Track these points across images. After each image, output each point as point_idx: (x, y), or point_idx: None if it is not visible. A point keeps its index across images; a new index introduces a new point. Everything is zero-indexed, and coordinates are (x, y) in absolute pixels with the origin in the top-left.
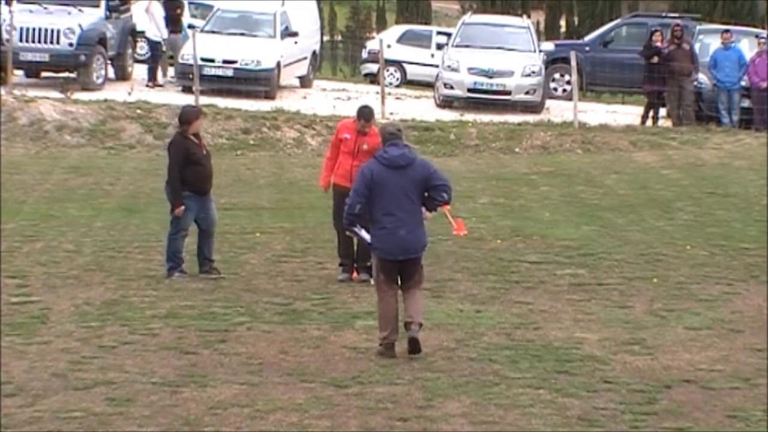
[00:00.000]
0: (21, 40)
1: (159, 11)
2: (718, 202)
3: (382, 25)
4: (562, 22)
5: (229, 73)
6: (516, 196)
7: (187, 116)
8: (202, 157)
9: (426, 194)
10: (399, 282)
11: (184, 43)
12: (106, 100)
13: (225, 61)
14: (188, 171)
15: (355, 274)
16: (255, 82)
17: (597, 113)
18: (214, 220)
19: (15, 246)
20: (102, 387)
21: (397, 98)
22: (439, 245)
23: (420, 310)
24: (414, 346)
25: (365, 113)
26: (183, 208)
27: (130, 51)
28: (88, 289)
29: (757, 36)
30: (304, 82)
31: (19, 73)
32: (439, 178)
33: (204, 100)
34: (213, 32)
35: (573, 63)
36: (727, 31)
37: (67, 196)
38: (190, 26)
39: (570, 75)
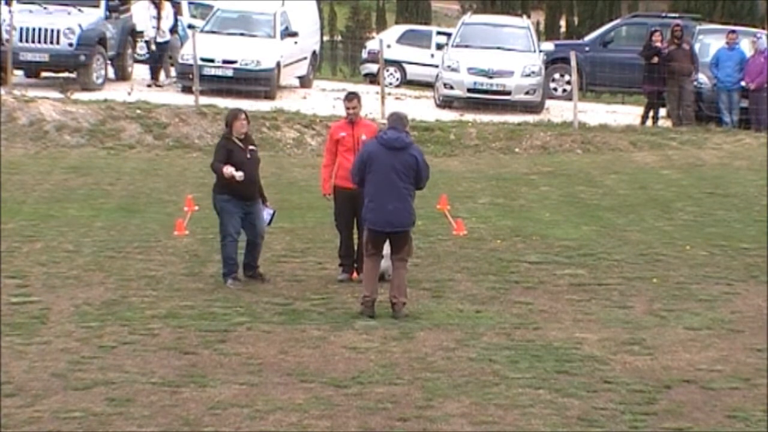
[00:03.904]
0: (21, 40)
1: (147, 11)
2: (718, 202)
3: (382, 25)
4: (562, 22)
5: (229, 73)
6: (516, 196)
7: (227, 118)
8: (243, 161)
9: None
10: (390, 251)
11: (177, 43)
12: (105, 100)
13: (225, 61)
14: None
15: (355, 275)
16: (255, 82)
17: (597, 113)
18: (260, 229)
19: (15, 246)
20: (102, 387)
21: (397, 98)
22: (439, 245)
23: (402, 287)
24: (397, 317)
25: (347, 95)
26: (232, 170)
27: (129, 51)
28: (88, 289)
29: (754, 35)
30: (304, 82)
31: (19, 73)
32: (424, 170)
33: (204, 100)
34: (213, 32)
35: (573, 63)
36: (733, 31)
37: (67, 196)
38: (190, 26)
39: (570, 75)
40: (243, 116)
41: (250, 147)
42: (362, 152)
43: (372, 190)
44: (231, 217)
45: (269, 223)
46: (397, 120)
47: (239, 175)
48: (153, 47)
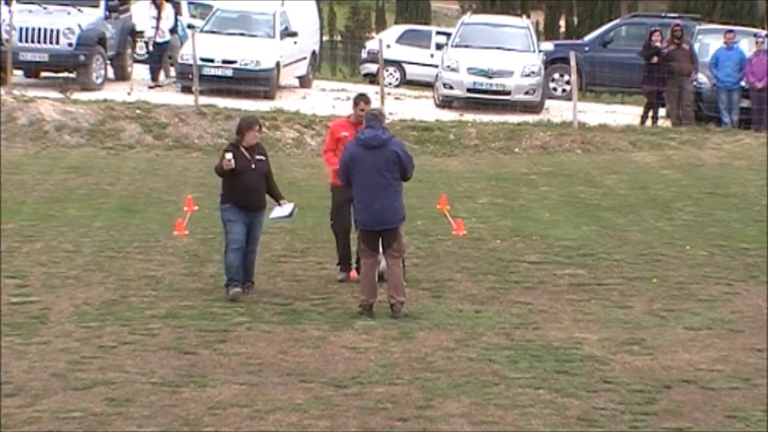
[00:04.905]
0: (21, 40)
1: (147, 11)
2: (718, 202)
3: (381, 25)
4: (562, 22)
5: (229, 73)
6: (516, 196)
7: (240, 127)
8: (246, 170)
9: None
10: (381, 249)
11: (176, 43)
12: (105, 100)
13: (224, 61)
14: (228, 182)
15: (354, 274)
16: (254, 82)
17: (596, 113)
18: (253, 238)
19: (15, 246)
20: (101, 387)
21: (397, 98)
22: (439, 245)
23: (399, 286)
24: (396, 318)
25: (363, 97)
26: (231, 157)
27: (129, 51)
28: (87, 289)
29: (755, 36)
30: (304, 82)
31: (19, 73)
32: (407, 162)
33: (203, 100)
34: (212, 32)
35: (572, 63)
36: (730, 31)
37: (67, 196)
38: (190, 26)
39: (569, 75)
40: (257, 128)
41: (257, 157)
42: (344, 155)
43: (358, 190)
44: (234, 224)
45: (291, 215)
46: (373, 118)
47: (229, 156)
48: (151, 47)
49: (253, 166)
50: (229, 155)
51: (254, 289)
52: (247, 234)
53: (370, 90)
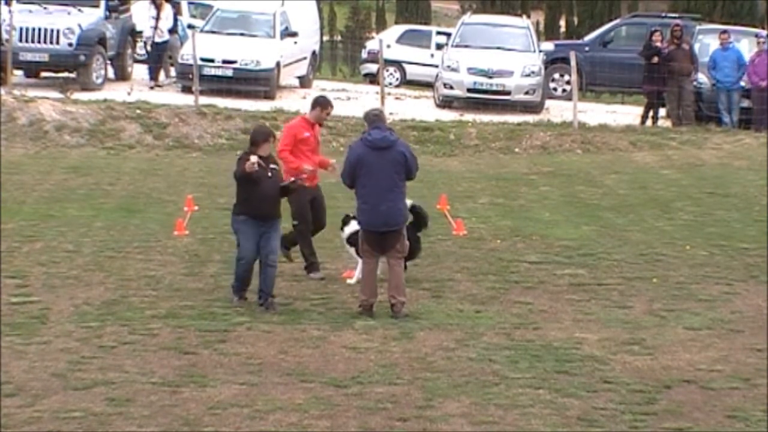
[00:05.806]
0: (21, 40)
1: (147, 11)
2: (718, 202)
3: (381, 25)
4: (562, 22)
5: (229, 73)
6: (516, 196)
7: (255, 138)
8: (262, 178)
9: None
10: (381, 251)
11: (176, 43)
12: (105, 100)
13: (225, 61)
14: (245, 190)
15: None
16: (255, 82)
17: (596, 113)
18: (271, 249)
19: (15, 246)
20: (102, 387)
21: (397, 98)
22: (439, 245)
23: (401, 286)
24: (397, 317)
25: (328, 101)
26: (256, 160)
27: (129, 51)
28: (87, 289)
29: (756, 36)
30: (304, 82)
31: (19, 73)
32: (412, 163)
33: (204, 100)
34: (212, 32)
35: (573, 63)
36: (725, 31)
37: (67, 196)
38: (190, 26)
39: (570, 75)
40: (272, 139)
41: (272, 166)
42: (350, 156)
43: (364, 191)
44: (246, 240)
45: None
46: (377, 119)
47: (254, 158)
48: (148, 47)
49: (270, 174)
50: (254, 158)
51: (275, 303)
52: (265, 246)
53: (371, 90)
